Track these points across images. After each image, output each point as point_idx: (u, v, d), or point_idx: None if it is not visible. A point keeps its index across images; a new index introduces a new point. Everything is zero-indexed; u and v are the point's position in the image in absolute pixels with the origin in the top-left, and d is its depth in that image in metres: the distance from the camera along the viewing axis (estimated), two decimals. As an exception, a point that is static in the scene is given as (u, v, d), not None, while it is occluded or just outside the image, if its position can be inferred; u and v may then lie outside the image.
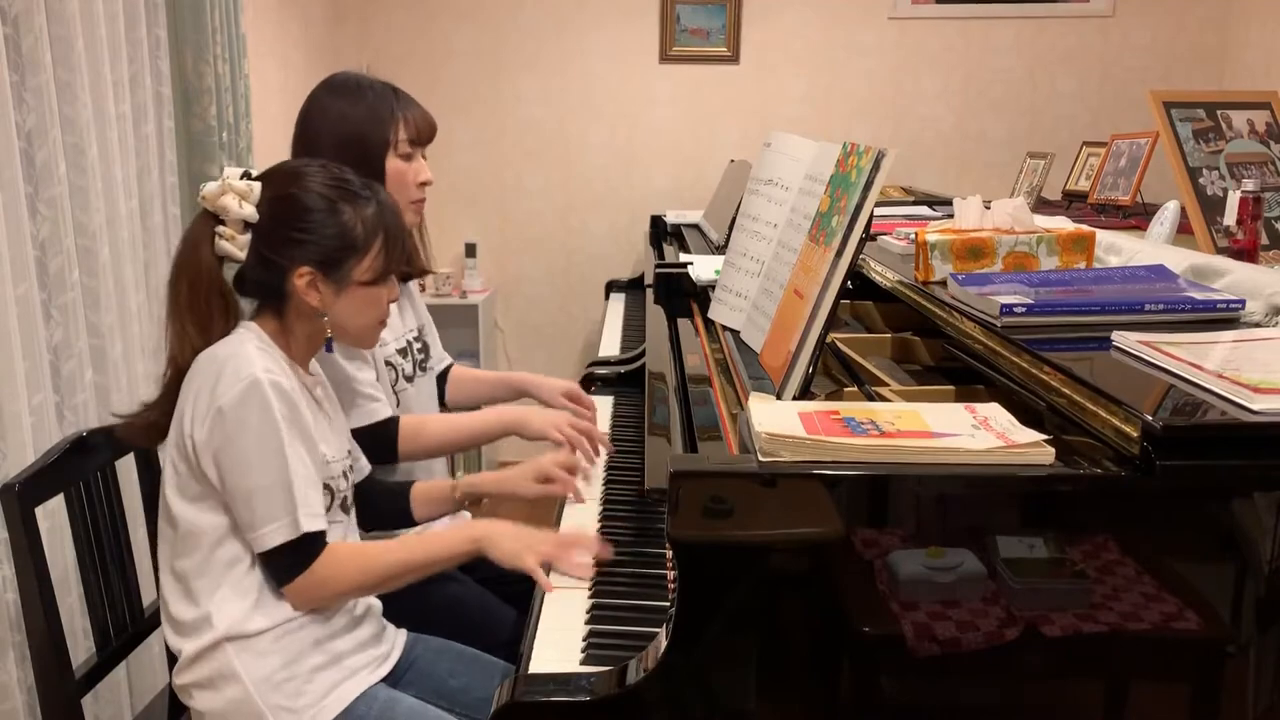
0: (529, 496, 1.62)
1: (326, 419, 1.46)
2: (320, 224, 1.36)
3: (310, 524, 1.30)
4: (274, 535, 1.29)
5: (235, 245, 1.36)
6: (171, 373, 1.39)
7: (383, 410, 1.70)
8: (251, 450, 1.28)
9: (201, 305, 1.36)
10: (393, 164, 1.72)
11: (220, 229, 1.36)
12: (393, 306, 1.84)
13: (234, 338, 1.35)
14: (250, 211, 1.35)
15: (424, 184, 1.78)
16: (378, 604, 1.50)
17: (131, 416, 1.43)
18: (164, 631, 1.40)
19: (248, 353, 1.32)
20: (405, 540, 1.46)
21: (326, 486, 1.39)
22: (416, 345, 1.88)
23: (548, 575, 1.36)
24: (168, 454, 1.36)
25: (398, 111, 1.73)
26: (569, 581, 1.36)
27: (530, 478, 1.60)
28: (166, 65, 2.36)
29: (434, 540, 1.42)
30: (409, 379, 1.83)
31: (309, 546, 1.31)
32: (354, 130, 1.70)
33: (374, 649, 1.44)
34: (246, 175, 1.38)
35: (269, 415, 1.29)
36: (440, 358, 1.99)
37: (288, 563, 1.31)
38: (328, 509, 1.38)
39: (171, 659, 1.57)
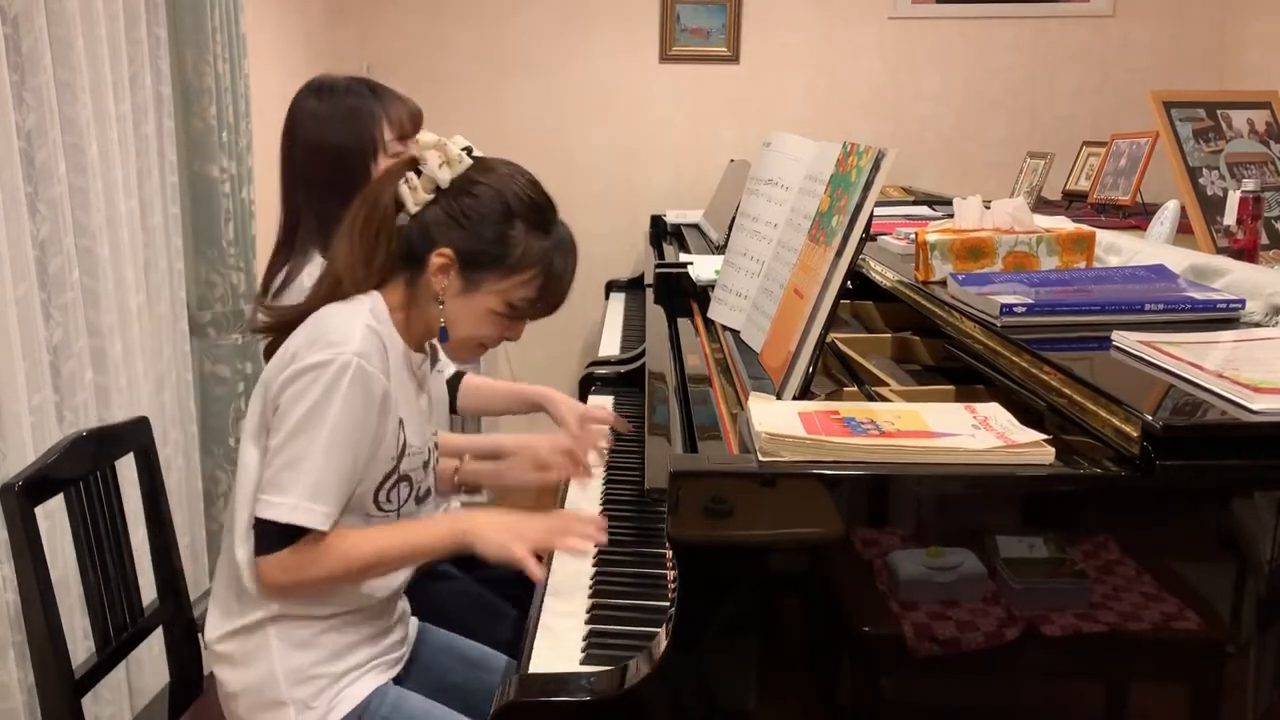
0: (529, 485, 1.60)
1: (426, 400, 1.42)
2: (486, 221, 1.31)
3: (306, 519, 1.23)
4: (274, 508, 1.23)
5: (413, 198, 1.32)
6: (333, 283, 1.33)
7: None
8: (299, 419, 1.23)
9: (371, 238, 1.32)
10: (384, 165, 1.70)
11: (409, 175, 1.32)
12: None
13: (351, 306, 1.30)
14: (445, 176, 1.31)
15: None
16: (405, 604, 1.49)
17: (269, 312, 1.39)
18: (215, 590, 1.37)
19: (353, 328, 1.26)
20: (384, 529, 1.35)
21: (406, 477, 1.35)
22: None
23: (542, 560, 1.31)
24: (253, 398, 1.33)
25: (378, 110, 1.71)
26: (562, 598, 1.33)
27: (528, 467, 1.59)
28: (166, 65, 2.36)
29: (414, 529, 1.35)
30: None
31: (294, 534, 1.24)
32: (336, 138, 1.69)
33: (396, 651, 1.44)
34: (468, 150, 1.34)
35: (328, 397, 1.23)
36: (444, 363, 1.99)
37: (270, 537, 1.25)
38: (403, 501, 1.35)
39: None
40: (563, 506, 1.65)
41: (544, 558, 1.39)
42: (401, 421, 1.32)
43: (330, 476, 1.24)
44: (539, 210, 1.34)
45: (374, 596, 1.35)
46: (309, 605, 1.31)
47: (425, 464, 1.40)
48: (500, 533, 1.30)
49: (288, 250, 1.72)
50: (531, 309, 1.35)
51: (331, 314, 1.29)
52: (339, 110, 1.71)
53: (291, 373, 1.24)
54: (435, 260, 1.30)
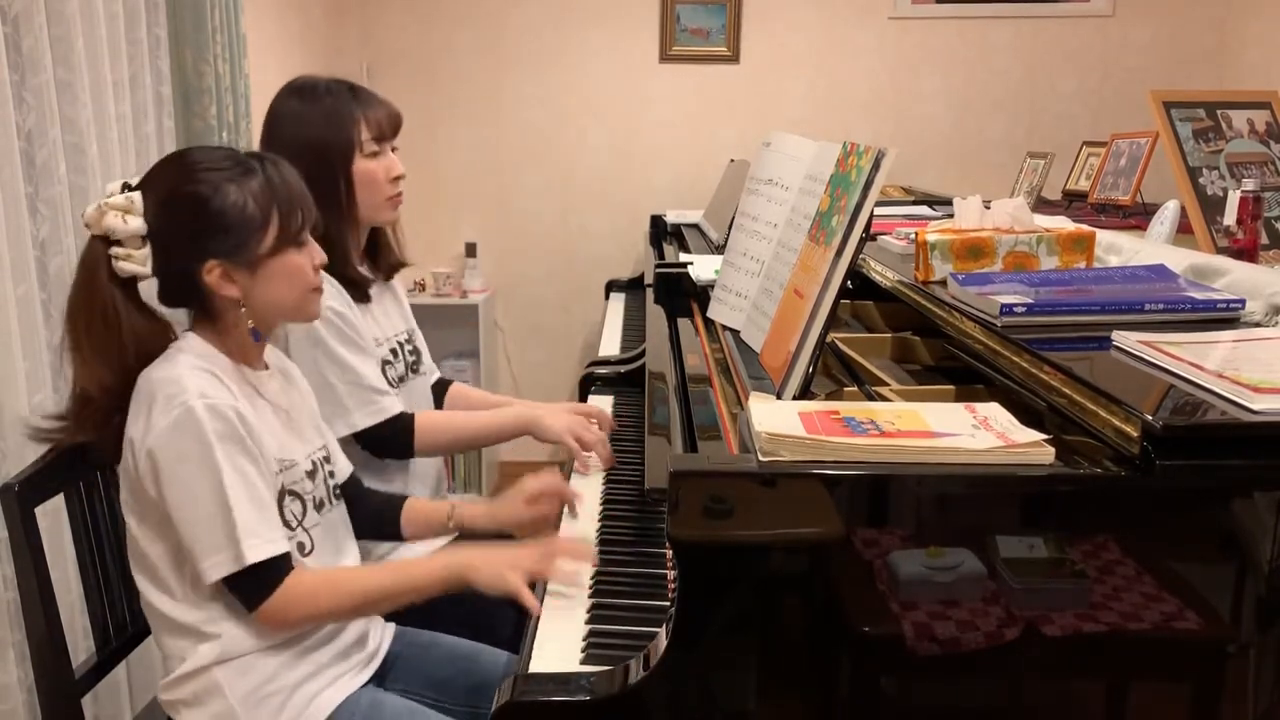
0: (524, 521, 1.58)
1: (284, 415, 1.41)
2: (213, 213, 1.29)
3: (256, 553, 1.25)
4: (217, 568, 1.25)
5: (136, 262, 1.30)
6: (81, 403, 1.33)
7: (393, 405, 1.70)
8: (189, 482, 1.24)
9: (99, 336, 1.30)
10: (361, 165, 1.71)
11: (115, 250, 1.30)
12: (382, 308, 1.83)
13: (169, 356, 1.31)
14: (139, 224, 1.29)
15: (397, 179, 1.77)
16: None
17: (51, 432, 1.37)
18: (156, 642, 1.37)
19: (179, 375, 1.27)
20: (380, 567, 1.40)
21: (293, 493, 1.35)
22: (408, 348, 1.88)
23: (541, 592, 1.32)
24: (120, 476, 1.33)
25: (357, 112, 1.71)
26: (562, 599, 1.33)
27: (520, 501, 1.57)
28: (166, 65, 2.36)
29: (411, 568, 1.39)
30: (400, 380, 1.83)
31: (264, 573, 1.26)
32: (315, 137, 1.68)
33: (358, 653, 1.42)
34: (126, 186, 1.32)
35: (204, 444, 1.24)
36: (430, 366, 1.99)
37: (247, 591, 1.27)
38: (301, 516, 1.35)
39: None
40: (559, 523, 1.63)
41: (537, 584, 1.39)
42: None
43: (244, 511, 1.25)
44: (226, 164, 1.31)
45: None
46: (254, 641, 1.31)
47: (309, 474, 1.40)
48: (495, 566, 1.33)
49: None
50: (297, 229, 1.34)
51: (151, 377, 1.28)
52: (319, 110, 1.71)
53: (150, 447, 1.25)
54: (210, 279, 1.30)
